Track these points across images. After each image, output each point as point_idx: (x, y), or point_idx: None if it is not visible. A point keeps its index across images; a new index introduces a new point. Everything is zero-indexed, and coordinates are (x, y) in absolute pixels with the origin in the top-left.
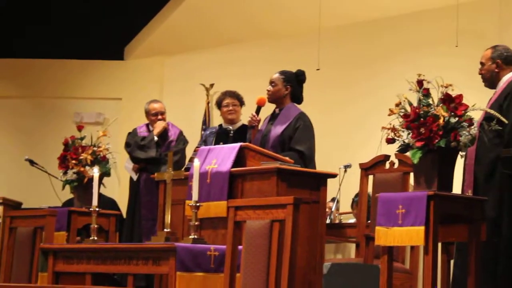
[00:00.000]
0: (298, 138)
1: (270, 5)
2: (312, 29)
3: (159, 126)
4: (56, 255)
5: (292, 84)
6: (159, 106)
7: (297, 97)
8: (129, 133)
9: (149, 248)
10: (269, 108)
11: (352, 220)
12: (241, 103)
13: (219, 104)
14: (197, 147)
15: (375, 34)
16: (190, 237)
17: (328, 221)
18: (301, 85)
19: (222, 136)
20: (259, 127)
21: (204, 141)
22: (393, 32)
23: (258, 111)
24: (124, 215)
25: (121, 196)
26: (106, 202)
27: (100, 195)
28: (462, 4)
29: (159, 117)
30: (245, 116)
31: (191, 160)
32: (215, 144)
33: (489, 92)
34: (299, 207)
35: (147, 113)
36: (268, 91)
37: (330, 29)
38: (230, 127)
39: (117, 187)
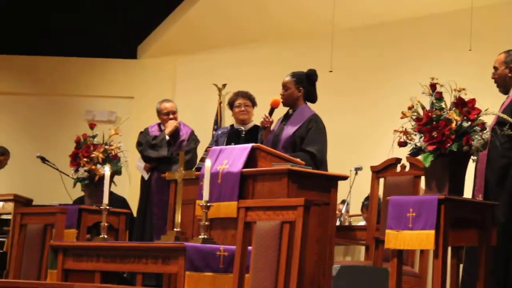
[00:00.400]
0: (310, 140)
1: (284, 7)
2: (325, 31)
3: (170, 126)
4: (65, 252)
5: (304, 85)
6: (170, 105)
7: (311, 97)
8: (141, 132)
9: (159, 247)
10: (282, 109)
11: (362, 223)
12: (253, 103)
13: (231, 105)
14: (208, 147)
15: (388, 37)
16: (200, 237)
17: (338, 223)
18: (314, 85)
19: (233, 137)
20: (272, 128)
21: (215, 141)
22: (407, 35)
23: (271, 112)
24: (135, 214)
25: (131, 195)
26: (117, 201)
27: (111, 193)
28: (476, 7)
29: (171, 116)
30: (257, 117)
31: (203, 159)
32: (226, 144)
33: (503, 97)
34: (310, 209)
35: (159, 112)
36: (282, 95)
37: (343, 31)
38: (242, 128)
39: (128, 185)
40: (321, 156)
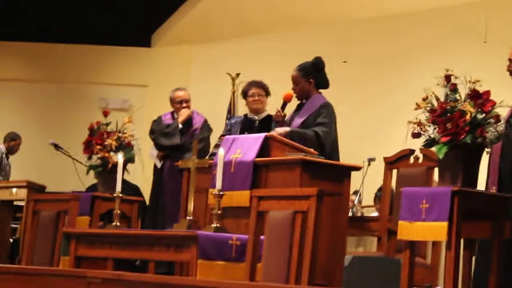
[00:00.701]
0: (319, 122)
1: None
2: (340, 21)
3: (183, 114)
4: (78, 239)
5: (313, 75)
6: (183, 93)
7: (322, 84)
8: (154, 121)
9: (171, 235)
10: (296, 102)
11: (375, 214)
12: (267, 93)
13: (245, 94)
14: (222, 135)
15: (403, 28)
16: (212, 225)
17: (350, 214)
18: (322, 71)
19: (247, 126)
20: (285, 119)
21: (228, 130)
22: (421, 26)
23: (284, 106)
24: (147, 202)
25: (144, 183)
26: (129, 188)
27: (124, 181)
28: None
29: (184, 105)
30: (270, 106)
31: (217, 146)
32: (240, 134)
33: None
34: (323, 199)
35: (172, 100)
36: (293, 90)
37: (357, 21)
38: (256, 117)
39: (141, 173)
40: (325, 138)
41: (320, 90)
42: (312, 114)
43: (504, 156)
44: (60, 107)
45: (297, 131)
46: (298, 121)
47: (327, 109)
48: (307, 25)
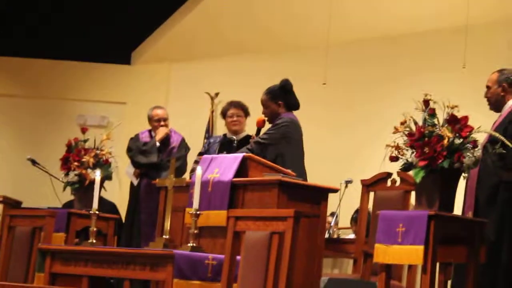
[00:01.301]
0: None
1: (279, 17)
2: (320, 43)
3: (161, 132)
4: (53, 256)
5: (282, 98)
6: (162, 112)
7: (292, 105)
8: (131, 138)
9: (147, 254)
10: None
11: (351, 236)
12: (246, 113)
13: (224, 114)
14: (200, 153)
15: (383, 52)
16: (189, 245)
17: (326, 235)
18: (291, 93)
19: (226, 146)
20: None
21: (207, 150)
22: (401, 50)
23: (258, 132)
24: (124, 220)
25: (121, 200)
26: (106, 205)
27: (100, 198)
28: (471, 25)
29: (162, 123)
30: (250, 126)
31: (196, 163)
32: (218, 153)
33: (495, 115)
34: (299, 220)
35: (150, 119)
36: (264, 114)
37: (338, 44)
38: (234, 137)
39: (118, 191)
40: (266, 136)
41: (294, 112)
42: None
43: (480, 181)
44: (38, 123)
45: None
46: None
47: (280, 121)
48: (288, 47)
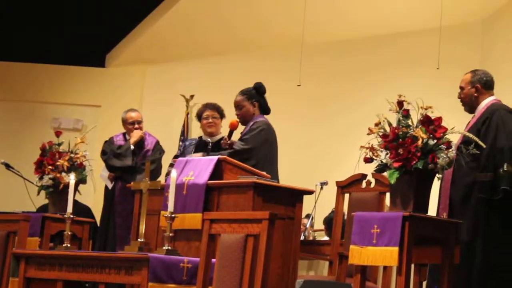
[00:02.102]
0: (241, 138)
1: (254, 19)
2: (295, 44)
3: (135, 135)
4: (28, 260)
5: (257, 99)
6: (136, 115)
7: (265, 109)
8: (106, 142)
9: (122, 257)
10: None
11: (326, 238)
12: (221, 115)
13: (199, 116)
14: (175, 156)
15: (357, 52)
16: (164, 248)
17: (302, 237)
18: (264, 96)
19: (201, 148)
20: None
21: (182, 152)
22: (375, 51)
23: (230, 134)
24: (98, 223)
25: (96, 204)
26: (81, 209)
27: (75, 202)
28: (445, 27)
29: (136, 126)
30: (225, 128)
31: (172, 166)
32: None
33: (469, 116)
34: (274, 222)
35: (124, 121)
36: (238, 115)
37: (312, 45)
38: (209, 139)
39: (92, 194)
40: (248, 140)
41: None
42: (246, 133)
43: (455, 182)
44: (12, 126)
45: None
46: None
47: (256, 125)
48: (263, 49)
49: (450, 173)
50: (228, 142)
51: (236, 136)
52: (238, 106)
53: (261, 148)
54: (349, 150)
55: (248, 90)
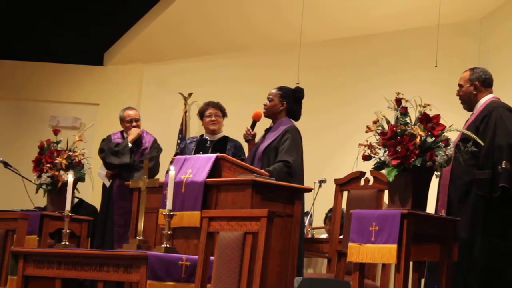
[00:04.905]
0: (285, 150)
1: (251, 18)
2: (292, 43)
3: (133, 133)
4: (26, 258)
5: (289, 100)
6: (134, 113)
7: (294, 114)
8: (103, 140)
9: (121, 255)
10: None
11: (325, 235)
12: (224, 114)
13: (201, 114)
14: (176, 154)
15: (355, 50)
16: (162, 246)
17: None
18: (299, 102)
19: (201, 146)
20: (256, 141)
21: (181, 150)
22: (373, 50)
23: (253, 125)
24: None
25: (94, 202)
26: (87, 209)
27: (82, 202)
28: (443, 25)
29: (134, 124)
30: (226, 127)
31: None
32: (195, 153)
33: (467, 113)
34: (273, 220)
35: (122, 119)
36: (265, 105)
37: (310, 44)
38: (208, 138)
39: (91, 192)
40: (296, 166)
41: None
42: (276, 138)
43: (453, 180)
44: (10, 125)
45: (271, 171)
46: (264, 145)
47: (291, 134)
48: (261, 49)
49: (448, 170)
50: (252, 133)
51: (259, 126)
52: (269, 98)
53: (301, 168)
54: (348, 149)
55: (286, 88)
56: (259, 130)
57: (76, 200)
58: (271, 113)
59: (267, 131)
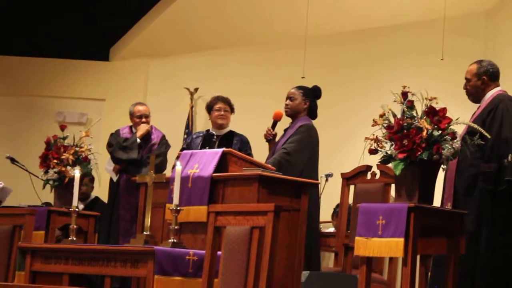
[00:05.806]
0: (289, 142)
1: (257, 12)
2: (298, 37)
3: (142, 129)
4: (34, 254)
5: (311, 99)
6: (144, 108)
7: (313, 112)
8: (112, 134)
9: (128, 250)
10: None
11: (332, 229)
12: (232, 110)
13: (210, 108)
14: (182, 149)
15: (361, 44)
16: (169, 241)
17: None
18: (316, 101)
19: (208, 141)
20: (276, 140)
21: (187, 144)
22: (379, 43)
23: (274, 125)
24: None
25: (101, 197)
26: (102, 207)
27: (97, 199)
28: (448, 18)
29: (143, 119)
30: (233, 123)
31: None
32: (201, 148)
33: (473, 106)
34: (280, 214)
35: (132, 114)
36: (287, 105)
37: (316, 38)
38: (214, 132)
39: (97, 187)
40: (296, 154)
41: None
42: (292, 135)
43: (459, 173)
44: (17, 121)
45: (272, 163)
46: (281, 142)
47: (303, 128)
48: (266, 42)
49: (454, 163)
50: (273, 133)
51: (280, 126)
52: (291, 97)
53: (304, 159)
54: (354, 143)
55: (306, 87)
56: (279, 130)
57: (92, 197)
58: (295, 112)
59: (286, 130)
